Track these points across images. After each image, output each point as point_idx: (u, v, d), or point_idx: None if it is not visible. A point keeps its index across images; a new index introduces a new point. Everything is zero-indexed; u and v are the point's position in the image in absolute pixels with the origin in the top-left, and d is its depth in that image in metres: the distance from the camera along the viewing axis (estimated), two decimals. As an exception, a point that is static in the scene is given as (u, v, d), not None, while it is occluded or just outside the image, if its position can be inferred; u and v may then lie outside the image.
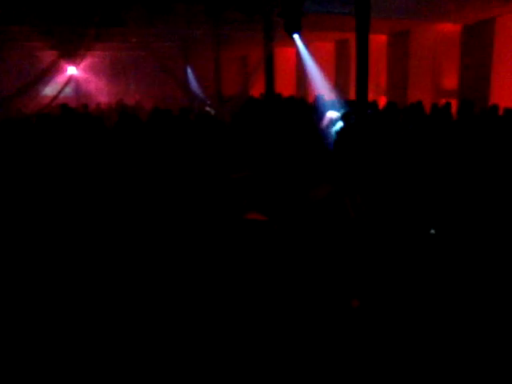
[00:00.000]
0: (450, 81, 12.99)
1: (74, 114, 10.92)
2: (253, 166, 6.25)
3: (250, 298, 3.82)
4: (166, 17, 8.60)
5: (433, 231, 4.74)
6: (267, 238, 4.47)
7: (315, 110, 8.62)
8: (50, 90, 14.12)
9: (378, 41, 14.37)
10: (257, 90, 13.16)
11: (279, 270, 4.13)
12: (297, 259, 4.35)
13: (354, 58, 8.76)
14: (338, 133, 6.57)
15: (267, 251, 4.30)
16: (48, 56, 13.92)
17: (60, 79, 14.79)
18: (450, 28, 12.64)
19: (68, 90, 15.07)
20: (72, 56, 12.42)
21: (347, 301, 3.80)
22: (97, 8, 8.17)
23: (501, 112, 7.61)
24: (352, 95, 12.97)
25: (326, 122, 7.77)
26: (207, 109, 11.53)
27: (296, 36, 10.31)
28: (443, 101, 9.81)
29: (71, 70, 15.58)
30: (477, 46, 12.01)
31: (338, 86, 15.04)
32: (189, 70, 16.22)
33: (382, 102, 13.23)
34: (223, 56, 14.75)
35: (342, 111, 7.81)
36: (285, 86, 16.33)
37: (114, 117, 10.98)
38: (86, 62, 15.08)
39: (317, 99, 9.55)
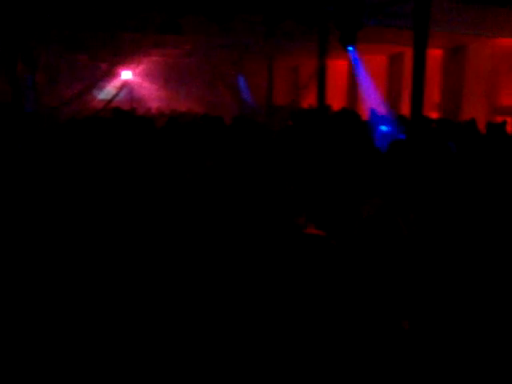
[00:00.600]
0: (508, 98, 12.65)
1: (125, 117, 11.19)
2: (303, 179, 6.22)
3: (306, 312, 3.81)
4: (223, 26, 8.71)
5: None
6: (326, 254, 4.44)
7: (369, 124, 8.55)
8: (105, 95, 14.58)
9: (433, 55, 14.14)
10: (306, 100, 13.16)
11: (335, 285, 4.10)
12: (352, 276, 4.30)
13: (408, 72, 8.64)
14: (392, 147, 6.47)
15: (325, 266, 4.27)
16: (100, 62, 14.34)
17: (115, 84, 15.25)
18: (509, 43, 12.33)
19: (122, 95, 15.45)
20: (128, 62, 12.81)
21: (398, 322, 3.72)
22: (155, 16, 8.37)
23: None
24: (403, 110, 12.81)
25: (378, 135, 7.70)
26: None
27: (350, 49, 10.27)
28: (499, 119, 9.55)
29: (126, 75, 16.02)
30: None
31: (390, 100, 14.88)
32: (241, 78, 16.36)
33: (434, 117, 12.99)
34: (275, 65, 14.84)
35: (394, 126, 7.72)
36: (335, 99, 16.27)
37: (163, 121, 11.20)
38: (141, 67, 15.46)
39: (371, 113, 9.47)
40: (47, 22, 9.52)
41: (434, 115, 13.77)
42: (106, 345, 3.42)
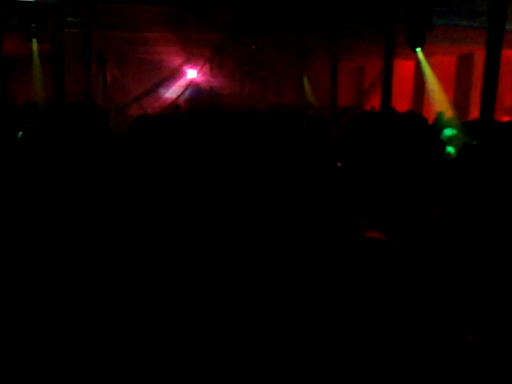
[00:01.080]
0: None
1: (196, 114, 11.38)
2: (365, 182, 6.13)
3: (367, 314, 3.78)
4: (289, 26, 8.74)
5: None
6: (387, 257, 4.38)
7: (435, 128, 8.33)
8: (171, 93, 14.92)
9: (506, 56, 13.56)
10: (371, 102, 12.95)
11: (396, 289, 4.04)
12: (413, 280, 4.22)
13: (478, 74, 8.34)
14: (463, 152, 6.28)
15: (387, 270, 4.22)
16: (170, 60, 14.67)
17: (181, 83, 15.56)
18: None
19: (187, 93, 15.72)
20: (198, 61, 13.06)
21: (462, 334, 3.60)
22: (225, 16, 8.49)
23: None
24: (473, 114, 12.38)
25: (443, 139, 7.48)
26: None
27: (418, 49, 10.03)
28: None
29: (192, 74, 16.32)
30: None
31: (457, 103, 14.42)
32: (305, 79, 16.32)
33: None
34: (339, 66, 14.69)
35: (460, 130, 7.49)
36: (399, 101, 15.93)
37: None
38: (206, 67, 15.69)
39: (437, 117, 9.23)
40: (116, 23, 9.84)
41: (506, 120, 13.21)
42: (106, 343, 3.43)
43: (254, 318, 3.74)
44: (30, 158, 5.27)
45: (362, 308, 3.85)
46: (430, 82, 10.89)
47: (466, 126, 8.20)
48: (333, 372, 3.29)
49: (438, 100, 10.76)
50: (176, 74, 15.07)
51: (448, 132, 7.85)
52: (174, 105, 12.04)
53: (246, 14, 8.00)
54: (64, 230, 4.71)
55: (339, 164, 6.57)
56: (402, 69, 16.67)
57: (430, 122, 9.62)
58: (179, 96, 14.34)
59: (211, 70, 15.59)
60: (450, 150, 7.11)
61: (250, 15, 7.60)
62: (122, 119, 8.88)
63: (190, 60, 14.81)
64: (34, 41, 8.31)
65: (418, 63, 11.33)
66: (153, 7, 9.37)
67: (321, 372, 3.29)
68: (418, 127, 8.29)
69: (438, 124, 8.83)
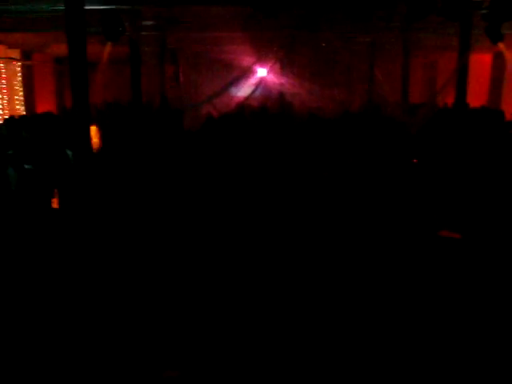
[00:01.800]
0: None
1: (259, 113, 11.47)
2: (441, 180, 5.96)
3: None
4: (360, 21, 8.58)
5: None
6: (461, 256, 4.28)
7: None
8: (241, 92, 15.08)
9: None
10: (445, 98, 12.52)
11: (469, 285, 3.94)
12: (487, 277, 4.10)
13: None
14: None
15: (461, 268, 4.12)
16: (240, 59, 14.81)
17: (251, 81, 15.67)
18: None
19: (258, 92, 15.82)
20: (267, 59, 13.10)
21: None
22: (297, 14, 8.49)
23: None
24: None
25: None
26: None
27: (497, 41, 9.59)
28: None
29: (261, 73, 16.41)
30: None
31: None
32: (375, 75, 16.00)
33: None
34: (410, 61, 14.29)
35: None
36: (474, 96, 15.29)
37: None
38: (276, 65, 15.72)
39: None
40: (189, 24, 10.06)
41: None
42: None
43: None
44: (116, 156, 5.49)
45: (434, 302, 3.79)
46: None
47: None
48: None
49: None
50: (246, 72, 15.21)
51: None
52: (244, 104, 12.16)
53: (318, 11, 7.95)
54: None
55: (415, 161, 6.42)
56: (479, 62, 16.02)
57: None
58: (249, 95, 14.47)
59: (281, 68, 15.62)
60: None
61: (322, 12, 7.55)
62: (196, 118, 9.09)
63: (260, 58, 14.91)
64: (109, 44, 8.65)
65: (496, 56, 10.85)
66: (226, 7, 9.53)
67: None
68: (494, 123, 7.95)
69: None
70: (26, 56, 13.89)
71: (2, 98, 12.89)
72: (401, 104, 12.79)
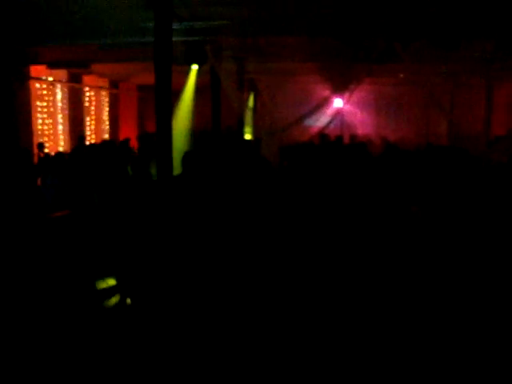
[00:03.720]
0: None
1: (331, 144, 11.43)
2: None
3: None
4: (448, 52, 8.41)
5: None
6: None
7: None
8: (316, 122, 15.14)
9: None
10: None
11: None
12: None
13: None
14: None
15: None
16: (317, 89, 14.91)
17: (328, 112, 15.71)
18: None
19: (333, 123, 15.82)
20: (343, 90, 13.12)
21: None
22: (375, 45, 8.47)
23: None
24: None
25: None
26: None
27: None
28: None
29: (338, 103, 16.43)
30: None
31: None
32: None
33: None
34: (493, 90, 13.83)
35: None
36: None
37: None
38: (352, 95, 15.70)
39: None
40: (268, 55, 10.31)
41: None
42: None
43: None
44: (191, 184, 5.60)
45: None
46: None
47: None
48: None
49: None
50: (322, 103, 15.28)
51: None
52: (319, 134, 12.20)
53: (401, 42, 7.87)
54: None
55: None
56: None
57: None
58: (326, 126, 14.49)
59: (358, 99, 15.56)
60: None
61: (406, 43, 7.48)
62: (272, 146, 9.21)
63: (337, 89, 14.95)
64: (193, 73, 9.00)
65: None
66: (302, 37, 9.72)
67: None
68: None
69: None
70: (113, 85, 14.76)
71: (91, 125, 13.69)
72: (482, 135, 12.38)
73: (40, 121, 11.38)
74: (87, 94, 13.58)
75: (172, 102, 6.76)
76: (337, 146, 10.78)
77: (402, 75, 13.87)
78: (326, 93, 14.59)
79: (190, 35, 7.85)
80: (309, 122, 15.08)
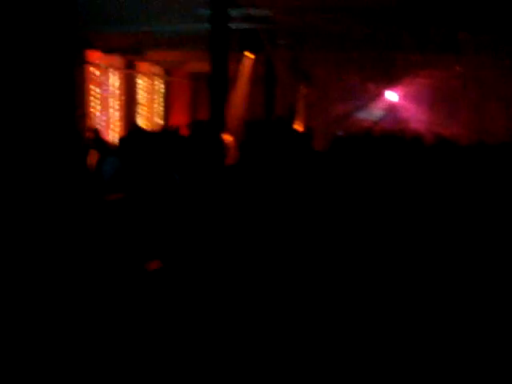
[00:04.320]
0: None
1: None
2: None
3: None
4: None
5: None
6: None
7: None
8: (369, 115, 14.84)
9: None
10: None
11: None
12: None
13: None
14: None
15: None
16: (371, 81, 14.58)
17: (380, 105, 15.37)
18: None
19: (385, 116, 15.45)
20: (398, 83, 12.84)
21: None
22: (434, 33, 8.17)
23: None
24: None
25: None
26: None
27: None
28: None
29: (391, 97, 16.02)
30: None
31: None
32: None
33: None
34: None
35: None
36: None
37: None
38: (407, 88, 15.28)
39: None
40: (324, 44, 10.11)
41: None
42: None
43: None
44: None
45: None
46: None
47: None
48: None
49: None
50: (377, 96, 14.96)
51: None
52: (373, 127, 11.95)
53: (460, 32, 7.57)
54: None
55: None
56: None
57: None
58: (379, 119, 14.20)
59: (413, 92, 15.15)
60: None
61: (474, 33, 7.16)
62: (325, 138, 9.03)
63: (391, 83, 14.60)
64: (247, 62, 8.88)
65: None
66: (360, 26, 9.48)
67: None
68: None
69: None
70: (166, 72, 14.83)
71: (143, 111, 13.82)
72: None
73: (93, 104, 11.53)
74: (140, 80, 13.70)
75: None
76: (398, 141, 10.40)
77: (458, 68, 13.37)
78: (381, 85, 14.28)
79: (246, 22, 7.74)
80: (362, 114, 14.83)
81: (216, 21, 6.32)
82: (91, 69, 11.38)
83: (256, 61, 8.91)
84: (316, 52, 10.62)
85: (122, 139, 8.64)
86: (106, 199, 5.52)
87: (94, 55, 11.31)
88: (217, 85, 6.32)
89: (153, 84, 14.35)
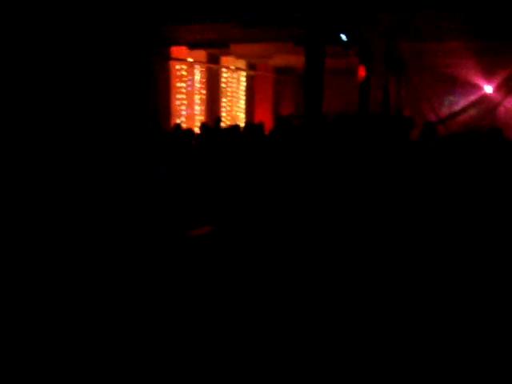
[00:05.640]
0: None
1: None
2: None
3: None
4: None
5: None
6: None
7: None
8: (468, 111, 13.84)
9: None
10: None
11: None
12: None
13: None
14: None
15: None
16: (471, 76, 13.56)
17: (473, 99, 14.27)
18: None
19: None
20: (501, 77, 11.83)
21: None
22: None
23: None
24: None
25: None
26: None
27: None
28: None
29: (487, 89, 14.83)
30: None
31: None
32: None
33: None
34: None
35: None
36: None
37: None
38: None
39: None
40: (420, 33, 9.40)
41: None
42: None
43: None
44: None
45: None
46: None
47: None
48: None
49: None
50: (471, 88, 13.93)
51: None
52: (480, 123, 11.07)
53: None
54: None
55: None
56: None
57: None
58: (485, 114, 13.24)
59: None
60: None
61: None
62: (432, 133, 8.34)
63: (489, 74, 13.51)
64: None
65: None
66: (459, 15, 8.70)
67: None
68: None
69: None
70: (250, 66, 14.48)
71: (227, 106, 13.57)
72: None
73: (178, 102, 11.37)
74: (224, 75, 13.44)
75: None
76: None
77: None
78: (482, 81, 13.29)
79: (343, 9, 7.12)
80: (464, 112, 13.84)
81: (311, 8, 5.79)
82: (177, 66, 11.22)
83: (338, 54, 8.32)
84: (414, 42, 9.91)
85: (198, 136, 8.49)
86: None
87: (179, 51, 11.14)
88: (312, 78, 5.80)
89: (236, 78, 14.06)
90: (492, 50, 11.26)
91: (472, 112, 13.17)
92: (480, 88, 14.14)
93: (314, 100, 5.77)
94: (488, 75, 13.55)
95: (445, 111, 12.52)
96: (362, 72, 8.48)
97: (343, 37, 6.93)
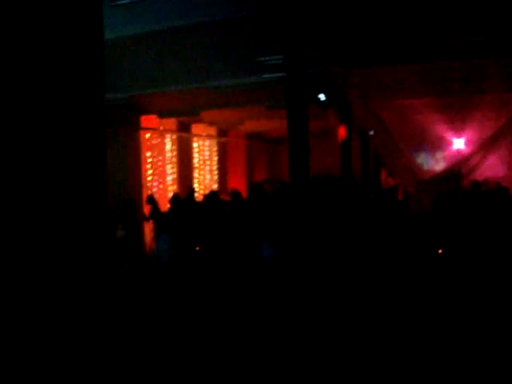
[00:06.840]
0: None
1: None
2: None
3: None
4: None
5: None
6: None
7: None
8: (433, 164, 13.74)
9: None
10: None
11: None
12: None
13: None
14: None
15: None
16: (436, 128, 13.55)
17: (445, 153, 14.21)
18: None
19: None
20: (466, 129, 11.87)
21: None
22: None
23: None
24: None
25: None
26: None
27: None
28: None
29: (458, 144, 14.82)
30: None
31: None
32: None
33: None
34: None
35: None
36: None
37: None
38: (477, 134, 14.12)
39: None
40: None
41: None
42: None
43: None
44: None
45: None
46: None
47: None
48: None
49: None
50: (444, 144, 13.92)
51: None
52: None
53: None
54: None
55: None
56: None
57: None
58: (445, 168, 13.14)
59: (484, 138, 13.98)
60: None
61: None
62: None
63: (460, 128, 13.56)
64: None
65: None
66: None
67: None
68: None
69: None
70: (221, 133, 14.17)
71: (199, 175, 13.17)
72: None
73: (150, 171, 10.91)
74: (195, 144, 13.10)
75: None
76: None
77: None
78: (448, 133, 13.31)
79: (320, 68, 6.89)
80: (428, 164, 13.74)
81: (291, 67, 5.49)
82: (146, 135, 10.82)
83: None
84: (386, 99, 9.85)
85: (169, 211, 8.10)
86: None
87: (149, 119, 10.78)
88: (296, 142, 5.41)
89: (208, 146, 13.74)
90: (460, 105, 11.34)
91: (442, 166, 13.16)
92: (451, 143, 14.14)
93: (300, 162, 5.36)
94: (458, 130, 13.59)
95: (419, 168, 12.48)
96: (342, 132, 8.22)
97: (322, 96, 6.63)
